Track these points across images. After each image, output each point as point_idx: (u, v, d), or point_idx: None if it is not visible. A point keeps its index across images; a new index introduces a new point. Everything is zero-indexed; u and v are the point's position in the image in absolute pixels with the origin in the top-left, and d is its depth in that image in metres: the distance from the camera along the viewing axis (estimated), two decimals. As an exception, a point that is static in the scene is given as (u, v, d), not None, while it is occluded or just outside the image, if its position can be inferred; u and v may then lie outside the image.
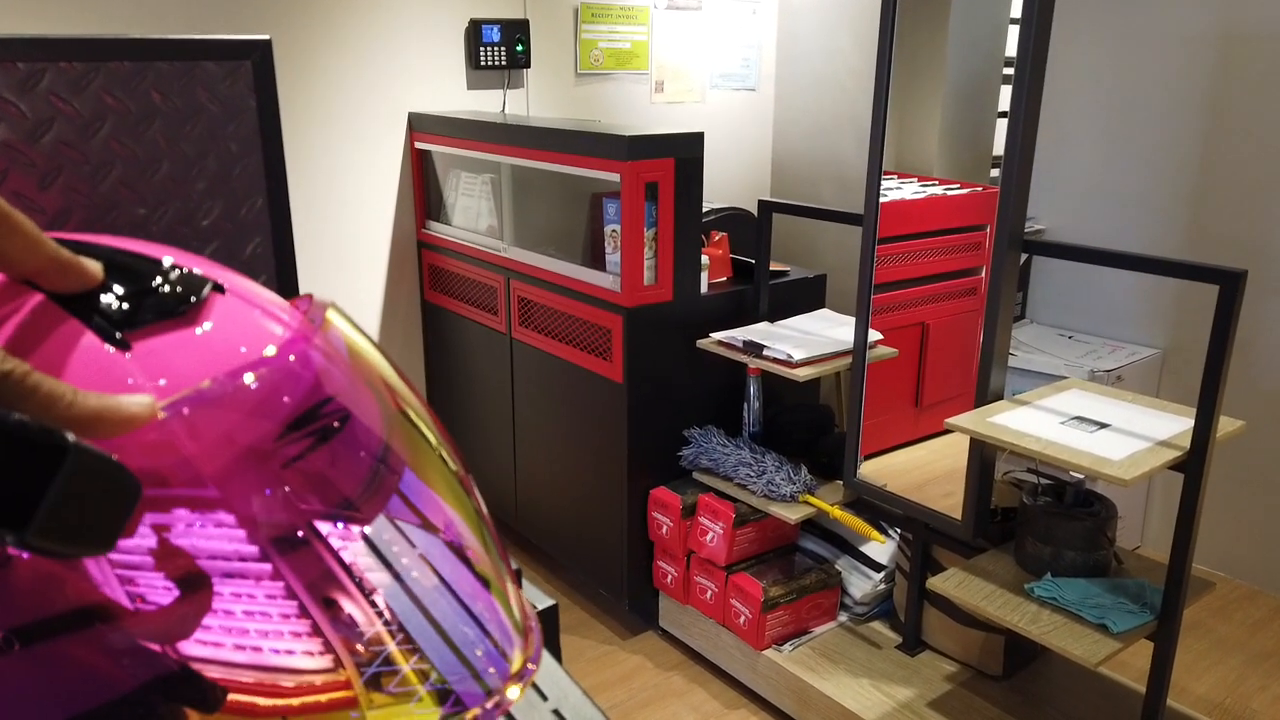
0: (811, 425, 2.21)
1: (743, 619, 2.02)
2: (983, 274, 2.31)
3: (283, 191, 0.71)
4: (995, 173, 2.80)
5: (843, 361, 1.98)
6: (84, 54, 0.64)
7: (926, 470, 2.06)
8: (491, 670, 0.42)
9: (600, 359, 2.17)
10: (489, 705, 0.40)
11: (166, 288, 0.38)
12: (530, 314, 2.37)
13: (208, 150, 0.69)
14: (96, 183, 0.65)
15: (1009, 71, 2.73)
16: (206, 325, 0.38)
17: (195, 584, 0.37)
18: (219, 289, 0.39)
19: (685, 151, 2.06)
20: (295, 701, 0.38)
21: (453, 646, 0.41)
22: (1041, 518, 1.66)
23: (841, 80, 3.19)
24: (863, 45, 3.09)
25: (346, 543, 0.39)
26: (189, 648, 0.37)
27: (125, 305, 0.37)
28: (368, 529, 0.40)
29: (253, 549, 0.37)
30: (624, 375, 2.11)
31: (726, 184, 3.32)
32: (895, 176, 2.38)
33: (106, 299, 0.36)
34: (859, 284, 1.89)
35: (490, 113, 2.72)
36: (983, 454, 1.71)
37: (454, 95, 2.74)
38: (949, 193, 2.34)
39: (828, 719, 1.88)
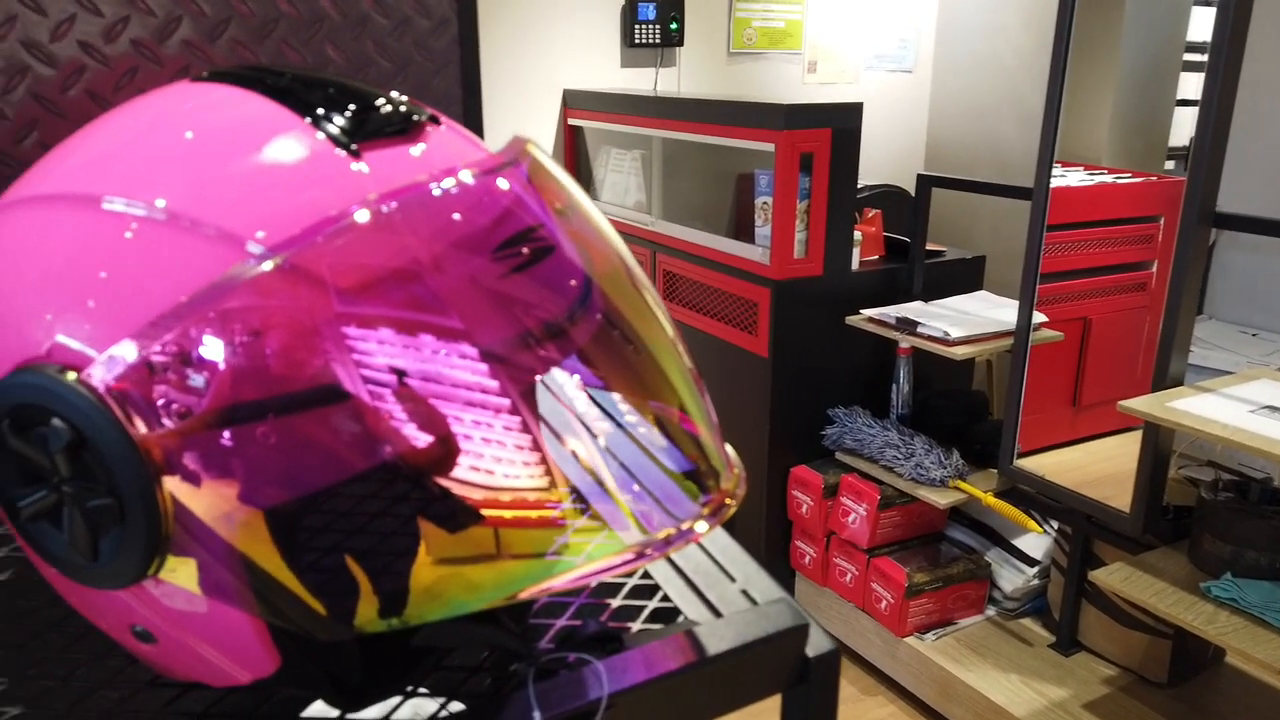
0: (964, 410, 2.12)
1: (884, 604, 1.97)
2: (1153, 268, 2.17)
3: (477, 100, 0.74)
4: (1170, 164, 2.62)
5: (1002, 343, 1.89)
6: None
7: (1084, 472, 1.94)
8: (688, 501, 0.42)
9: (745, 333, 2.15)
10: (681, 531, 0.40)
11: (390, 109, 0.40)
12: (676, 287, 2.38)
13: (411, 59, 0.72)
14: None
15: (1190, 57, 2.55)
16: (424, 145, 0.41)
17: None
18: (435, 120, 0.42)
19: (842, 122, 2.01)
20: (509, 514, 0.38)
21: (653, 472, 0.41)
22: (1223, 514, 1.53)
23: (1004, 60, 3.05)
24: (1030, 23, 2.95)
25: (558, 367, 0.40)
26: (331, 439, 0.38)
27: (359, 121, 0.39)
28: (577, 355, 0.40)
29: (481, 365, 0.38)
30: (769, 350, 2.08)
31: (878, 167, 3.23)
32: (1060, 165, 2.25)
33: (348, 115, 0.39)
34: (1025, 262, 1.80)
35: (643, 90, 2.74)
36: (1157, 442, 1.60)
37: (608, 73, 2.78)
38: (1120, 181, 2.20)
39: (973, 711, 1.80)
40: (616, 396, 0.42)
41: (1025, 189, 1.89)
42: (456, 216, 0.39)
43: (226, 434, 0.36)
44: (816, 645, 0.48)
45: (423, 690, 0.44)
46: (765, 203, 2.07)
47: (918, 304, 2.09)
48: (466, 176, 0.40)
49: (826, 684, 0.48)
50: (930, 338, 1.88)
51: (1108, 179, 2.15)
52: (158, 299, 0.35)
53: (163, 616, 0.39)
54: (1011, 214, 2.95)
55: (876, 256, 2.27)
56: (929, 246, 2.23)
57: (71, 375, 0.35)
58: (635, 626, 0.48)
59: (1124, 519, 1.66)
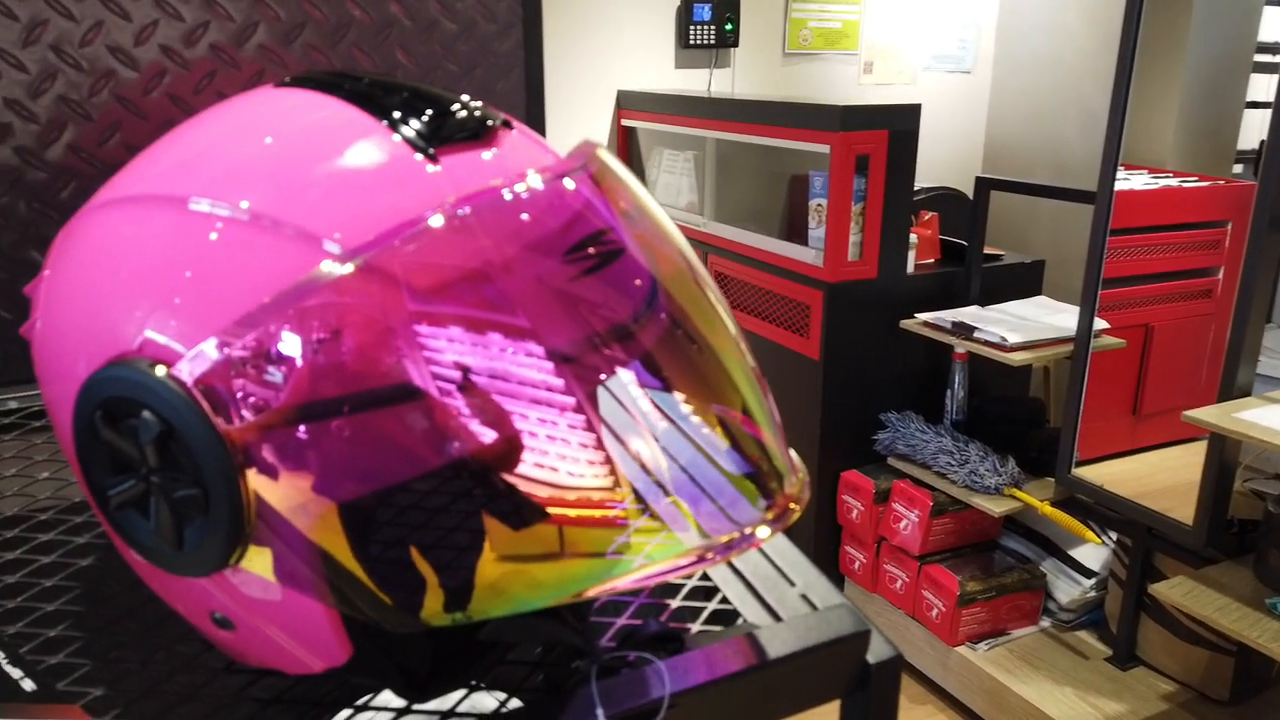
0: (1020, 417, 2.08)
1: (935, 612, 1.94)
2: (1220, 275, 2.11)
3: (540, 103, 0.75)
4: (1239, 168, 2.54)
5: (1062, 349, 1.86)
6: None
7: (1144, 483, 1.89)
8: (751, 505, 0.42)
9: (797, 335, 2.14)
10: (744, 535, 0.40)
11: (465, 114, 0.41)
12: (727, 289, 2.37)
13: (477, 62, 0.73)
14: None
15: (1261, 58, 2.47)
16: (497, 149, 0.41)
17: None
18: (508, 125, 0.42)
19: (900, 124, 1.99)
20: (573, 513, 0.39)
21: (716, 475, 0.42)
22: (1293, 529, 1.48)
23: (1067, 61, 2.99)
24: (1094, 23, 2.88)
25: (623, 368, 0.40)
26: (409, 436, 0.38)
27: (435, 126, 0.40)
28: (642, 357, 0.41)
29: (548, 364, 0.38)
30: (821, 352, 2.07)
31: (934, 169, 3.19)
32: (1123, 168, 2.20)
33: (425, 120, 0.40)
34: (1087, 267, 1.76)
35: (697, 91, 2.74)
36: (1223, 453, 1.55)
37: (662, 74, 2.78)
38: (1185, 185, 2.15)
39: (1025, 725, 1.77)
40: (681, 398, 0.42)
41: (1088, 192, 1.85)
42: (529, 220, 0.40)
43: (304, 429, 0.37)
44: (877, 652, 0.47)
45: (486, 685, 0.45)
46: (819, 204, 2.06)
47: (974, 308, 2.06)
48: (539, 181, 0.40)
49: (887, 691, 0.48)
50: (987, 343, 1.85)
51: (1173, 183, 2.10)
52: (242, 298, 0.37)
53: (241, 604, 0.40)
54: (1071, 217, 2.89)
55: (932, 260, 2.24)
56: (986, 250, 2.19)
57: (161, 370, 0.37)
58: (694, 628, 0.49)
59: (1186, 531, 1.62)
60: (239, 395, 0.36)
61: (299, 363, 0.36)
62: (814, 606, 0.50)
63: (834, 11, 2.95)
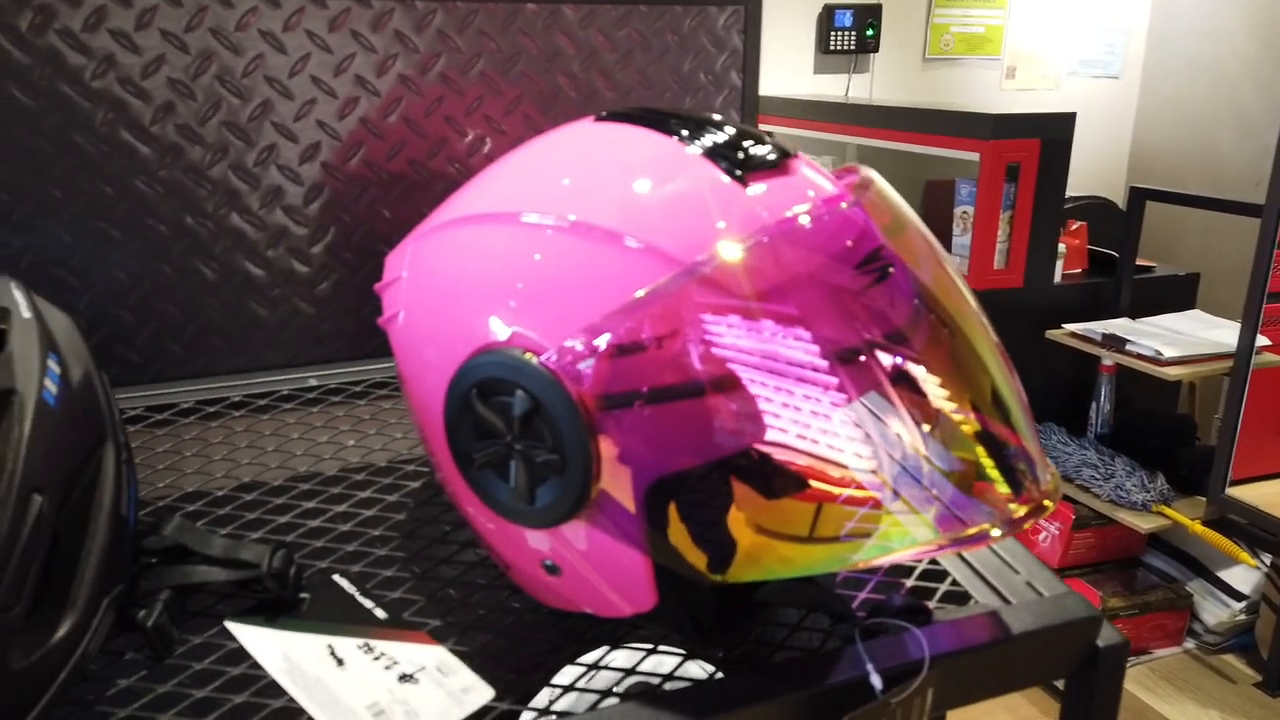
0: (1168, 433, 2.04)
1: (1072, 625, 1.92)
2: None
3: (753, 122, 0.81)
4: None
5: (1219, 365, 1.81)
6: None
7: (1297, 506, 1.83)
8: (1005, 500, 0.47)
9: (937, 342, 2.14)
10: (998, 526, 0.45)
11: (768, 145, 0.48)
12: (864, 293, 2.39)
13: (699, 84, 0.80)
14: (607, 106, 0.80)
15: None
16: (791, 176, 0.48)
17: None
18: (794, 154, 0.49)
19: (1052, 133, 1.98)
20: (837, 491, 0.45)
21: (974, 469, 0.47)
22: None
23: (1224, 65, 2.88)
24: (1256, 28, 2.77)
25: (895, 366, 0.46)
26: (734, 421, 0.45)
27: (745, 155, 0.47)
28: (915, 359, 0.46)
29: (802, 344, 0.45)
30: (962, 360, 2.07)
31: (1077, 176, 3.10)
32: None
33: (734, 150, 0.47)
34: (1251, 280, 1.72)
35: (834, 96, 2.77)
36: (1400, 480, 1.50)
37: (801, 79, 2.82)
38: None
39: (1168, 745, 1.74)
40: (947, 396, 0.48)
41: (1253, 205, 1.80)
42: (830, 238, 0.46)
43: (646, 410, 0.44)
44: (1106, 637, 0.52)
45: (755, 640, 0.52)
46: (965, 211, 2.06)
47: (1125, 320, 2.03)
48: (835, 204, 0.47)
49: (1114, 672, 0.52)
50: (1141, 356, 1.83)
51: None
52: (601, 301, 0.44)
53: (572, 553, 0.48)
54: (1224, 228, 2.78)
55: (1079, 270, 2.21)
56: (1136, 261, 2.15)
57: (532, 357, 0.45)
58: (931, 605, 0.54)
59: (1354, 558, 1.57)
60: (595, 380, 0.44)
61: (646, 356, 0.44)
62: (1038, 593, 0.55)
63: (977, 16, 2.92)
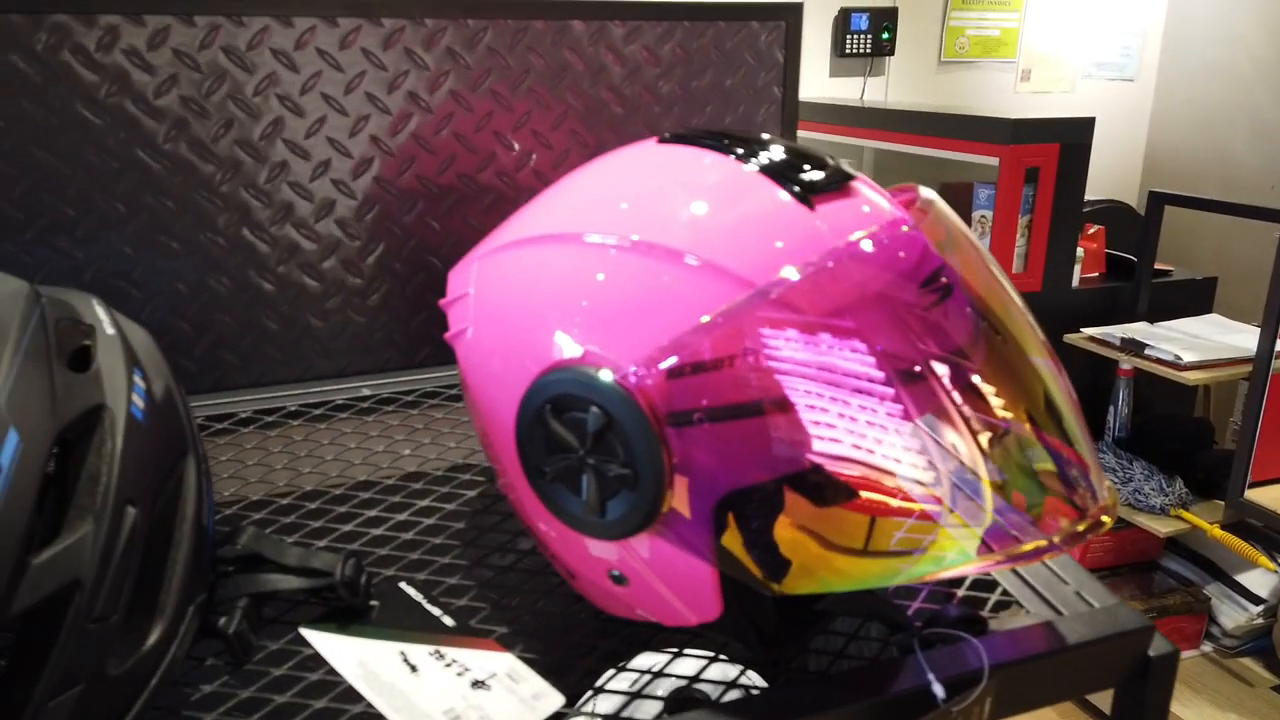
0: (1186, 437, 2.05)
1: (1090, 628, 1.93)
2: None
3: (793, 135, 0.83)
4: None
5: (1239, 370, 1.82)
6: (650, 14, 0.80)
7: (1312, 509, 1.84)
8: (1063, 516, 0.48)
9: (955, 345, 2.15)
10: (1060, 540, 0.46)
11: (831, 167, 0.49)
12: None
13: (741, 99, 0.81)
14: (651, 120, 0.81)
15: None
16: (854, 198, 0.49)
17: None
18: (854, 175, 0.51)
19: (1072, 137, 1.99)
20: (882, 496, 0.46)
21: (1031, 484, 0.48)
22: None
23: (1239, 68, 2.88)
24: (1271, 30, 2.77)
25: (955, 383, 0.47)
26: (804, 438, 0.46)
27: (810, 178, 0.48)
28: (975, 376, 0.48)
29: (870, 364, 0.46)
30: (980, 363, 2.08)
31: (1090, 178, 3.12)
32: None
33: (797, 172, 0.49)
34: (1271, 285, 1.72)
35: (849, 99, 2.77)
36: None
37: (816, 82, 2.83)
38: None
39: (1186, 747, 1.75)
40: (1006, 413, 0.49)
41: (1273, 210, 1.81)
42: (896, 259, 0.48)
43: (718, 428, 0.45)
44: (1157, 647, 0.53)
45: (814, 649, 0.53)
46: (984, 216, 2.07)
47: (1143, 325, 2.04)
48: (897, 226, 0.48)
49: (1165, 682, 0.53)
50: (1160, 361, 1.84)
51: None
52: (674, 322, 0.46)
53: (640, 564, 0.49)
54: (1239, 232, 2.79)
55: (1097, 274, 2.22)
56: (1156, 265, 2.16)
57: (606, 375, 0.46)
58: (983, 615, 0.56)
59: (1374, 563, 1.58)
60: (668, 397, 0.45)
61: (717, 374, 0.45)
62: (1089, 603, 0.57)
63: (993, 19, 2.93)
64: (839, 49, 2.78)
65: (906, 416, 0.47)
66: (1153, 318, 2.09)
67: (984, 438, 0.49)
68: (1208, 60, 2.98)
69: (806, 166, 0.50)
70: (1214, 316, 2.12)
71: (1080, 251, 2.11)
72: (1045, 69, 3.02)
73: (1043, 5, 2.95)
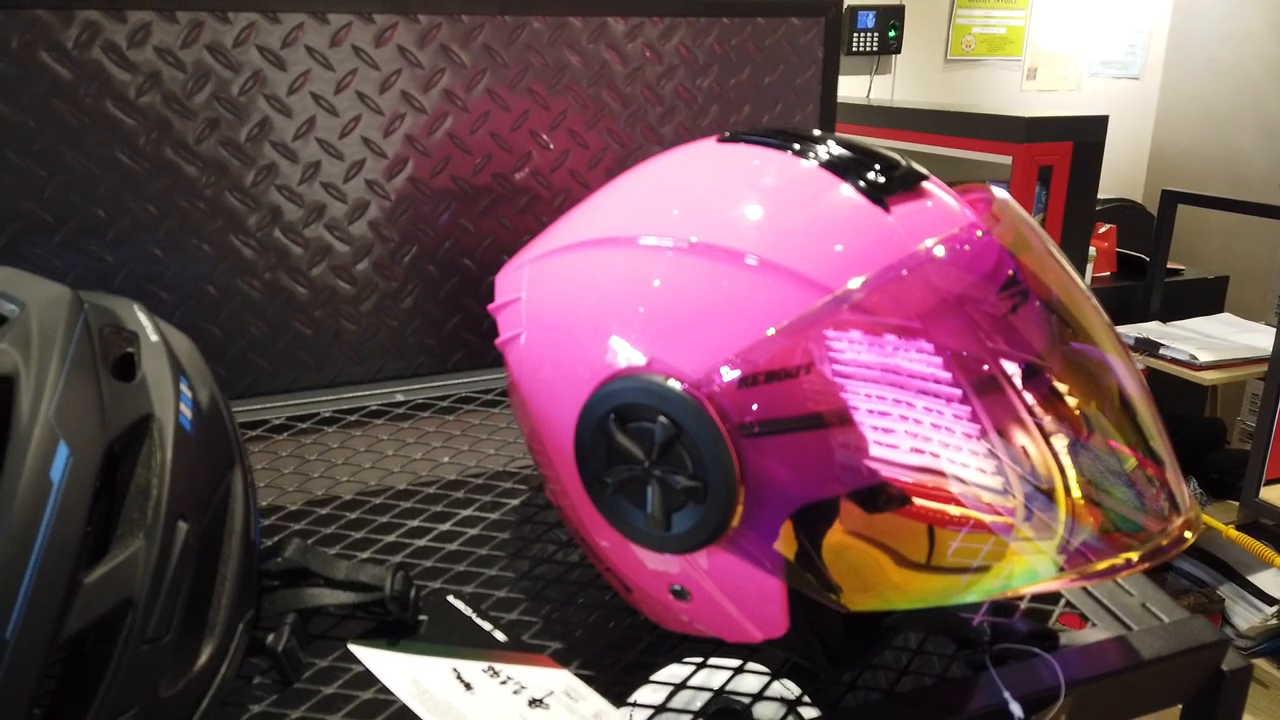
0: (1199, 437, 2.04)
1: (1104, 629, 1.92)
2: None
3: (831, 129, 0.81)
4: None
5: (1255, 369, 1.81)
6: (687, 11, 0.78)
7: (1321, 508, 1.83)
8: (1146, 531, 0.46)
9: (966, 345, 2.14)
10: (1135, 558, 0.44)
11: (903, 168, 0.48)
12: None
13: (780, 96, 0.79)
14: (688, 119, 0.79)
15: None
16: (927, 200, 0.47)
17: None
18: (926, 176, 0.49)
19: (1085, 136, 1.97)
20: (956, 511, 0.44)
21: (1113, 499, 0.47)
22: None
23: (1246, 66, 2.88)
24: (1276, 27, 2.77)
25: (1033, 393, 0.46)
26: (879, 450, 0.45)
27: (883, 179, 0.47)
28: (1054, 386, 0.46)
29: (947, 374, 0.44)
30: (992, 363, 2.07)
31: (1097, 177, 3.12)
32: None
33: (872, 174, 0.47)
34: (1288, 285, 1.71)
35: (856, 96, 2.76)
36: None
37: (824, 80, 2.81)
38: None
39: (1202, 749, 1.74)
40: (1087, 423, 0.47)
41: (1288, 210, 1.80)
42: (970, 265, 0.46)
43: (790, 439, 0.44)
44: (1230, 661, 0.52)
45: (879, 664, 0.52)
46: (996, 215, 2.05)
47: (1155, 324, 2.03)
48: (973, 230, 0.46)
49: (1237, 697, 0.52)
50: (1175, 361, 1.83)
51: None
52: (746, 330, 0.44)
53: (704, 578, 0.48)
54: (1247, 230, 2.78)
55: (1108, 273, 2.21)
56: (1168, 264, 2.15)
57: (675, 383, 0.44)
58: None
59: (1392, 565, 1.57)
60: (740, 407, 0.44)
61: (791, 384, 0.43)
62: (1156, 616, 0.55)
63: (999, 17, 2.92)
64: (846, 47, 2.77)
65: (983, 429, 0.45)
66: (1164, 317, 2.08)
67: (1061, 451, 0.47)
68: (1214, 58, 2.97)
69: (880, 167, 0.48)
70: (1226, 315, 2.12)
71: (1092, 251, 2.10)
72: (1051, 67, 3.01)
73: (1049, 3, 2.94)
